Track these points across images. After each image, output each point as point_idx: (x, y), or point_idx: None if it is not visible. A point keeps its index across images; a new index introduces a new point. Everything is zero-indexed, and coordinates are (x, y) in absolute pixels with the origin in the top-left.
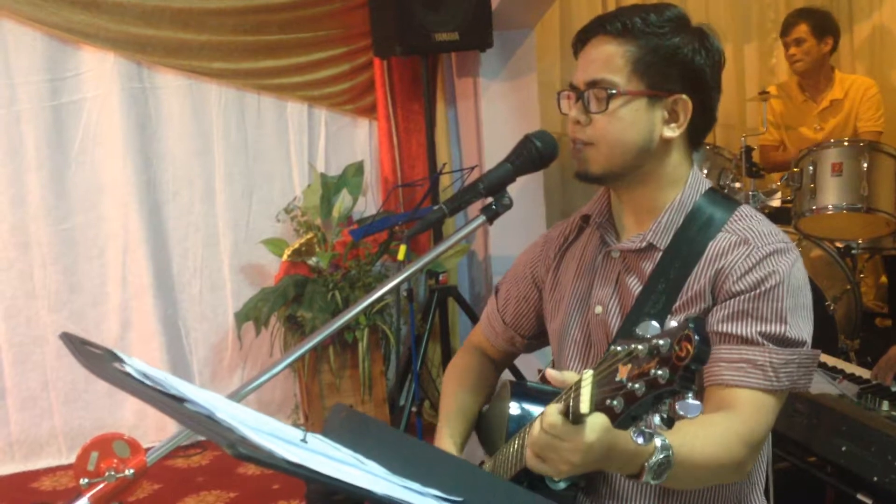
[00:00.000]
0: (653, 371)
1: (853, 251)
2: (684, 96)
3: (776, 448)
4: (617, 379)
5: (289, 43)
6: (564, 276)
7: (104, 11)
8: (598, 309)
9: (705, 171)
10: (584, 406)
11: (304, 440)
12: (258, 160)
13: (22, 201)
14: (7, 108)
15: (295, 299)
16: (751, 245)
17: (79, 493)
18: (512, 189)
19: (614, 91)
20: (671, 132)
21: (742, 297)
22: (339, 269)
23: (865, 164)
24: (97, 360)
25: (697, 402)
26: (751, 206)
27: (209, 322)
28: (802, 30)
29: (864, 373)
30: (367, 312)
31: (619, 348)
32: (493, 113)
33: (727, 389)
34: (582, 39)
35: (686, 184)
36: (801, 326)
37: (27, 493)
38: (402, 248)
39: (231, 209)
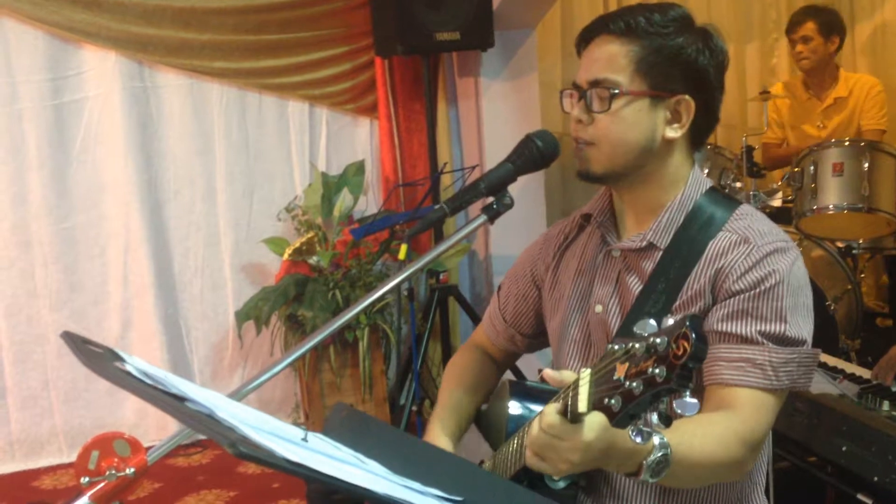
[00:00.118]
0: (650, 369)
1: (854, 251)
2: (687, 97)
3: (776, 448)
4: (615, 378)
5: (290, 42)
6: (564, 275)
7: (105, 10)
8: (598, 308)
9: (706, 171)
10: (582, 405)
11: (304, 439)
12: (259, 159)
13: (23, 200)
14: (8, 106)
15: (296, 298)
16: (751, 244)
17: (79, 491)
18: (513, 188)
19: (617, 91)
20: (673, 132)
21: (742, 296)
22: (340, 269)
23: (866, 164)
24: (98, 358)
25: (695, 401)
26: (751, 206)
27: (210, 321)
28: (810, 28)
29: (865, 373)
30: (368, 312)
31: (616, 347)
32: (495, 112)
33: (727, 389)
34: (585, 38)
35: (687, 183)
36: (801, 325)
37: (28, 492)
38: (403, 248)
39: (232, 208)
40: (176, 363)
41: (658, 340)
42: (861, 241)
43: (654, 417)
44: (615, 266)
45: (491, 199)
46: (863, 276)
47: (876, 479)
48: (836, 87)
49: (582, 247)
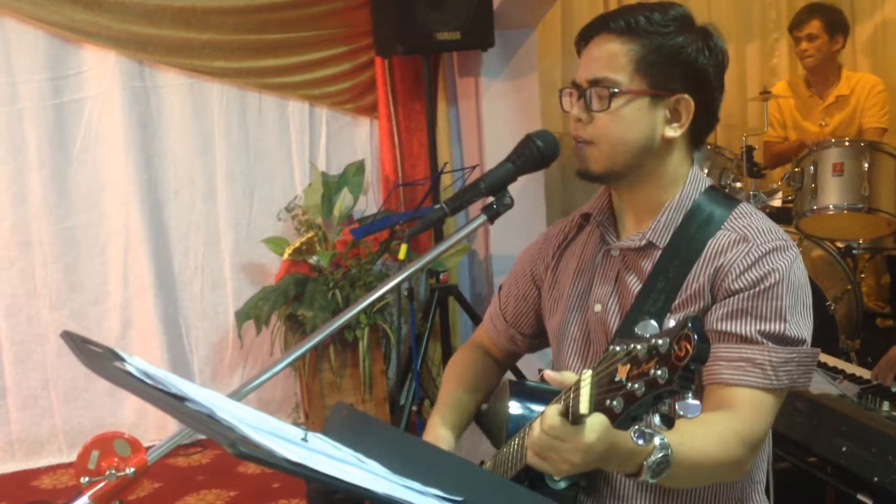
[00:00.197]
0: (652, 371)
1: (854, 251)
2: (687, 96)
3: (776, 448)
4: (616, 379)
5: (290, 42)
6: (564, 275)
7: (106, 10)
8: (598, 307)
9: (706, 171)
10: (584, 407)
11: (304, 439)
12: (259, 159)
13: (23, 200)
14: (9, 106)
15: (296, 298)
16: (750, 243)
17: (79, 491)
18: (513, 188)
19: (616, 90)
20: (673, 132)
21: (741, 295)
22: (340, 268)
23: (866, 164)
24: (98, 358)
25: (697, 402)
26: (750, 205)
27: (210, 321)
28: (815, 26)
29: (865, 373)
30: (368, 311)
31: (617, 348)
32: (495, 112)
33: (726, 388)
34: (585, 37)
35: (686, 182)
36: (801, 325)
37: (28, 492)
38: (403, 248)
39: (232, 208)
40: (176, 363)
41: (660, 342)
42: (861, 242)
43: (656, 419)
44: (614, 265)
45: (491, 198)
46: (863, 276)
47: (876, 479)
48: (838, 86)
49: (581, 246)
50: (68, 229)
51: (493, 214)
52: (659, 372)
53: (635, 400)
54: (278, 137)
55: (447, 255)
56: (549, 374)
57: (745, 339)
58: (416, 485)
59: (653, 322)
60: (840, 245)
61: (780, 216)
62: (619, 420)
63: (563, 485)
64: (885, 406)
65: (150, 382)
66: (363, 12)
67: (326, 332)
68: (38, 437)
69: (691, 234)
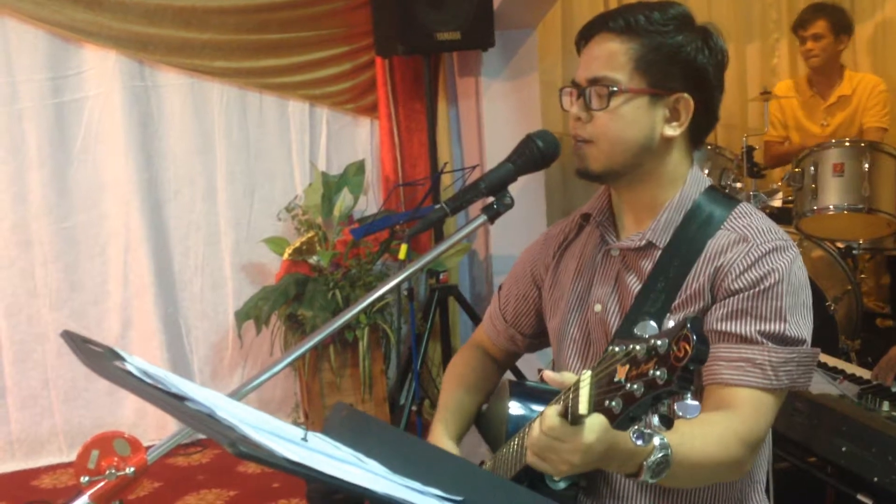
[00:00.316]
0: (651, 371)
1: (854, 251)
2: (686, 95)
3: (776, 448)
4: (615, 380)
5: (290, 42)
6: (564, 275)
7: (106, 10)
8: (598, 307)
9: (706, 171)
10: (583, 407)
11: (304, 439)
12: (259, 159)
13: (23, 199)
14: (9, 106)
15: (296, 298)
16: (750, 242)
17: (79, 491)
18: (513, 188)
19: (616, 88)
20: (672, 131)
21: (741, 295)
22: (340, 268)
23: (867, 165)
24: (98, 358)
25: (696, 403)
26: (750, 205)
27: (210, 320)
28: (821, 25)
29: (865, 373)
30: (368, 311)
31: (617, 349)
32: (495, 112)
33: (726, 388)
34: (585, 36)
35: (685, 182)
36: (801, 325)
37: (28, 492)
38: (403, 248)
39: (232, 208)
40: (176, 363)
41: (659, 342)
42: (861, 242)
43: (655, 419)
44: (614, 265)
45: (491, 198)
46: (863, 276)
47: (876, 479)
48: (840, 86)
49: (581, 246)
50: (68, 229)
51: (493, 214)
52: (658, 372)
53: (634, 400)
54: (278, 137)
55: (447, 255)
56: (548, 374)
57: (744, 340)
58: (416, 485)
59: (652, 322)
60: (840, 245)
61: (781, 216)
62: (618, 420)
63: (562, 485)
64: (885, 406)
65: (149, 382)
66: (363, 12)
67: (326, 332)
68: (38, 436)
69: (691, 234)
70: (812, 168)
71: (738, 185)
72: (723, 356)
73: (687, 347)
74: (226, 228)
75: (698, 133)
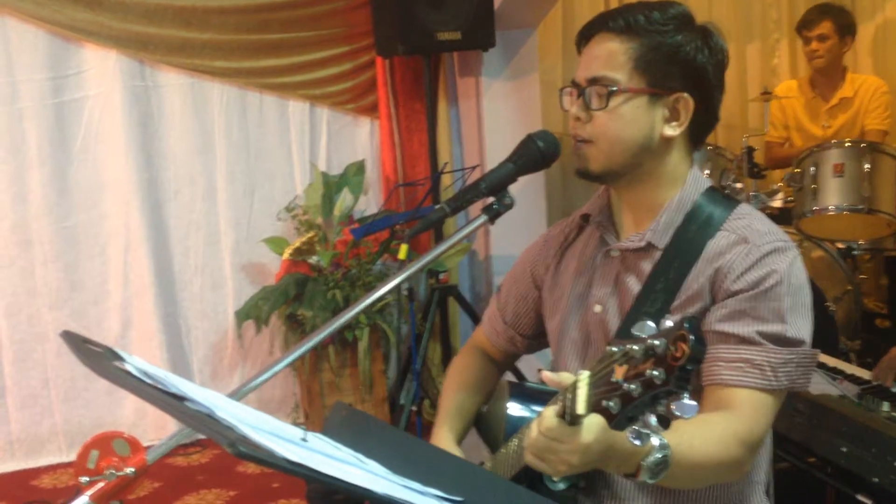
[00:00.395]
0: (648, 371)
1: (854, 252)
2: (686, 95)
3: (776, 448)
4: (613, 380)
5: (291, 42)
6: (564, 276)
7: (107, 9)
8: (597, 308)
9: (707, 172)
10: (580, 407)
11: (304, 439)
12: (260, 159)
13: (23, 199)
14: (9, 105)
15: (295, 298)
16: (749, 244)
17: (79, 490)
18: (513, 188)
19: (615, 88)
20: (672, 131)
21: (741, 296)
22: (340, 268)
23: (867, 165)
24: (98, 358)
25: (694, 403)
26: (750, 206)
27: (210, 320)
28: (827, 26)
29: (865, 374)
30: (368, 311)
31: (614, 349)
32: (495, 112)
33: (725, 389)
34: (585, 36)
35: (685, 183)
36: (800, 326)
37: (27, 491)
38: (403, 248)
39: (232, 208)
40: (176, 363)
41: (656, 342)
42: (861, 242)
43: (653, 419)
44: (614, 266)
45: (491, 199)
46: (863, 277)
47: (876, 480)
48: (842, 87)
49: (581, 247)
50: (68, 228)
51: (493, 214)
52: (655, 372)
53: (632, 400)
54: (279, 137)
55: (447, 255)
56: (546, 374)
57: (744, 340)
58: (416, 485)
59: (650, 323)
60: (840, 246)
61: (781, 217)
62: (616, 421)
63: (562, 486)
64: (885, 407)
65: (149, 382)
66: (364, 12)
67: (326, 332)
68: (38, 436)
69: (691, 235)
70: (812, 168)
71: (739, 185)
72: (722, 357)
73: (684, 347)
74: (226, 228)
75: (698, 133)
